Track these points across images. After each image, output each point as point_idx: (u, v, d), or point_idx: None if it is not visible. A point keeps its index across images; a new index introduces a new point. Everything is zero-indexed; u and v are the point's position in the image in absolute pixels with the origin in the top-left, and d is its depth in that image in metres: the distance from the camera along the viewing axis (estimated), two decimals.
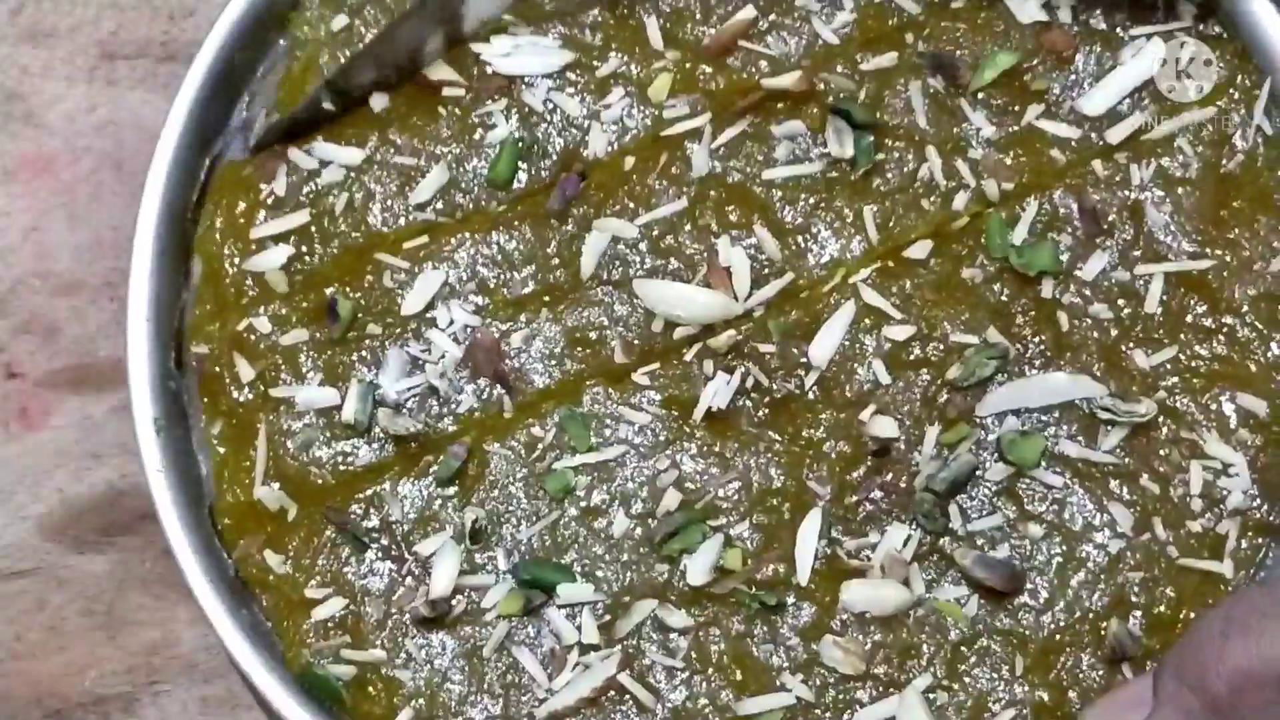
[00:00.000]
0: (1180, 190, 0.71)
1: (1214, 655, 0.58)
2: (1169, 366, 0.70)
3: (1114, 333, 0.70)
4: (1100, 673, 0.68)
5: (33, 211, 0.79)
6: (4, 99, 0.80)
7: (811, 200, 0.72)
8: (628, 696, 0.69)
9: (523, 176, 0.73)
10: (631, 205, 0.73)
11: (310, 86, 0.74)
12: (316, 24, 0.75)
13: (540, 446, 0.71)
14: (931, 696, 0.68)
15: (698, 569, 0.69)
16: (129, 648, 0.76)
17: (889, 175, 0.72)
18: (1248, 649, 0.58)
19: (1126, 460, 0.70)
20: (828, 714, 0.68)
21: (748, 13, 0.73)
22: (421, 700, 0.69)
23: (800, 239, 0.72)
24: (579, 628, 0.69)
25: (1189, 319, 0.71)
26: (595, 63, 0.74)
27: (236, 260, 0.73)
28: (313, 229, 0.73)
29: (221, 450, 0.72)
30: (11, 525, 0.77)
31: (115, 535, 0.77)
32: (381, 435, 0.72)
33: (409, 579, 0.70)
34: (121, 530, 0.77)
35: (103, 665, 0.76)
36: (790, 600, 0.69)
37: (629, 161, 0.73)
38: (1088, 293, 0.71)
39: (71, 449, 0.77)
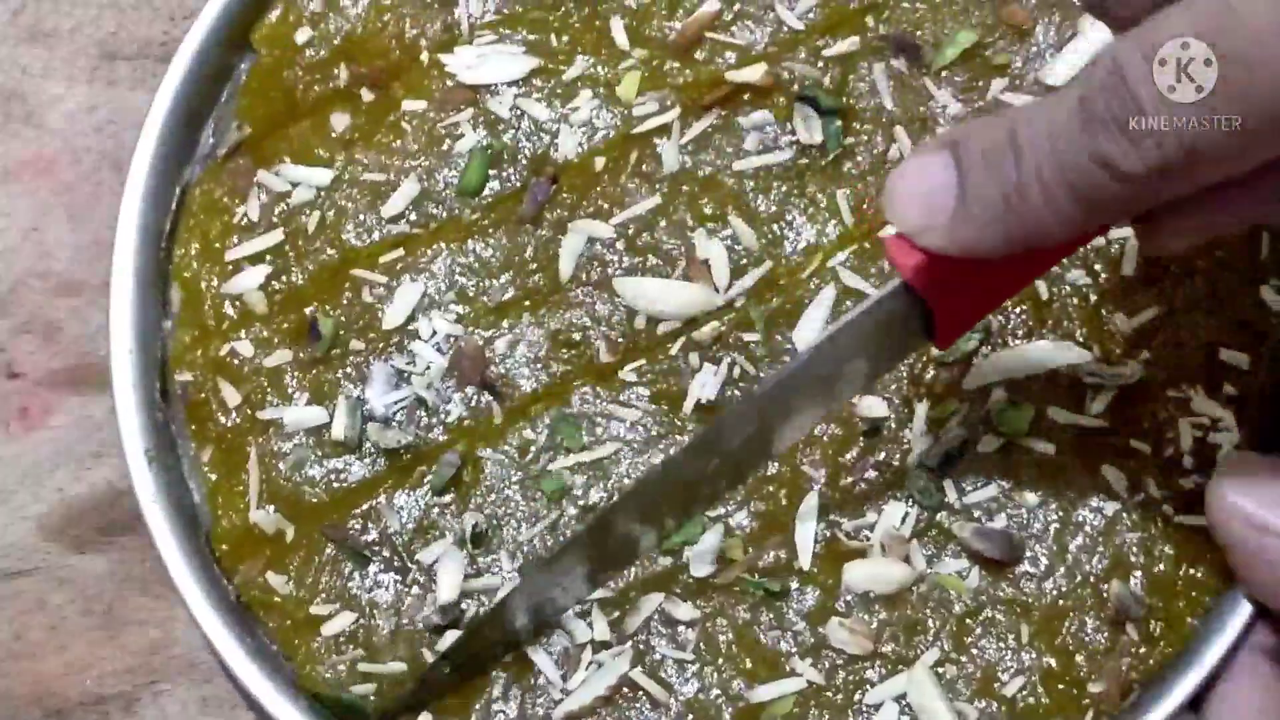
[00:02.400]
0: None
1: None
2: (1150, 327, 0.71)
3: (1093, 298, 0.71)
4: (1105, 635, 0.69)
5: (33, 211, 0.79)
6: (4, 99, 0.80)
7: (784, 188, 0.73)
8: (641, 693, 0.68)
9: (494, 184, 0.73)
10: (605, 205, 0.73)
11: (270, 92, 0.74)
12: (279, 35, 0.75)
13: (533, 449, 0.71)
14: (940, 670, 0.68)
15: (701, 560, 0.69)
16: (129, 647, 0.76)
17: (859, 158, 0.73)
18: None
19: (1116, 423, 0.70)
20: (839, 696, 0.68)
21: (712, 5, 0.74)
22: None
23: (776, 227, 0.72)
24: (591, 625, 0.69)
25: (1166, 280, 0.71)
26: (561, 67, 0.74)
27: (214, 284, 0.73)
28: (287, 249, 0.73)
29: (213, 477, 0.72)
30: (11, 525, 0.77)
31: (115, 535, 0.77)
32: (373, 450, 0.71)
33: (415, 588, 0.70)
34: (122, 530, 0.77)
35: (103, 665, 0.76)
36: (794, 585, 0.69)
37: (600, 162, 0.73)
38: (1065, 260, 0.71)
39: (71, 449, 0.77)
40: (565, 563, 0.67)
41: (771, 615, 0.69)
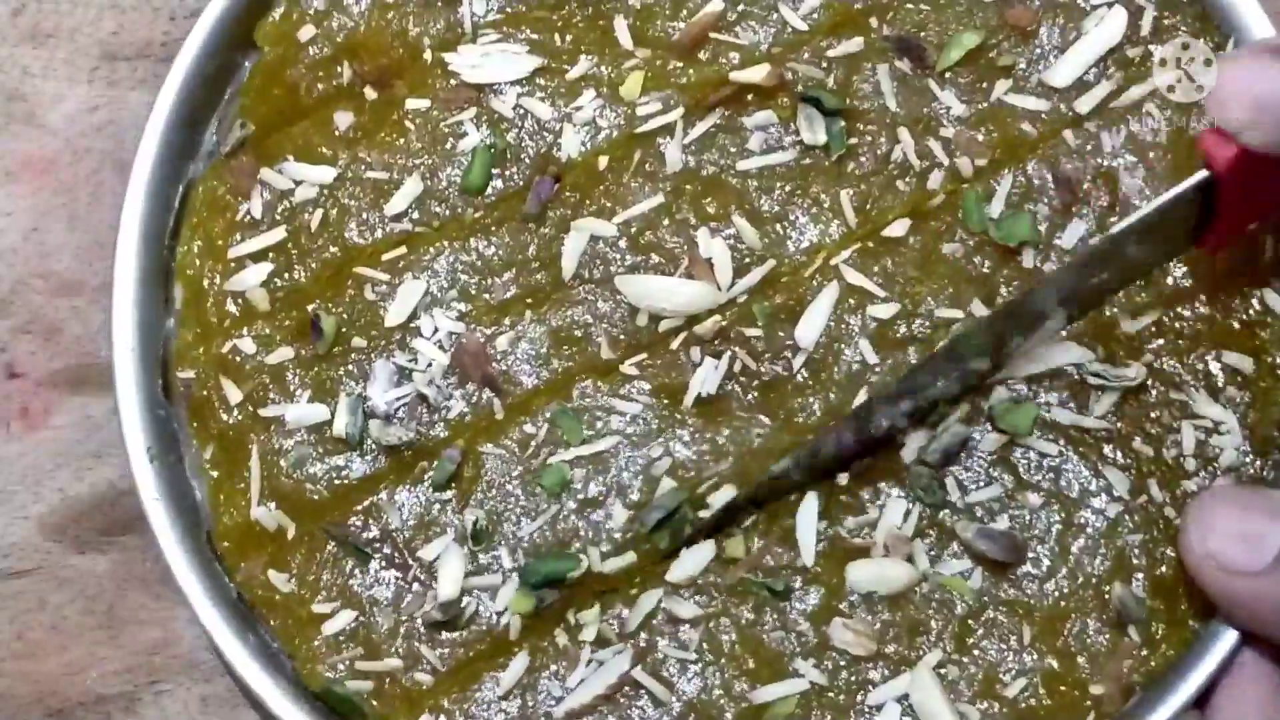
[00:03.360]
0: (1151, 155, 0.72)
1: None
2: (1154, 329, 0.71)
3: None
4: (1107, 637, 0.68)
5: (34, 212, 0.79)
6: (5, 100, 0.80)
7: (787, 188, 0.73)
8: (643, 691, 0.68)
9: (497, 183, 0.73)
10: (608, 204, 0.73)
11: (274, 90, 0.74)
12: (283, 33, 0.75)
13: (533, 444, 0.71)
14: (943, 672, 0.68)
15: (695, 561, 0.69)
16: (130, 647, 0.76)
17: (863, 158, 0.73)
18: None
19: (1119, 424, 0.70)
20: (842, 696, 0.68)
21: (716, 5, 0.74)
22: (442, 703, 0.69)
23: (779, 226, 0.72)
24: (589, 623, 0.69)
25: (1169, 280, 0.71)
26: (565, 66, 0.74)
27: (217, 281, 0.73)
28: (290, 246, 0.73)
29: (214, 474, 0.72)
30: (12, 525, 0.77)
31: (116, 535, 0.77)
32: (374, 446, 0.71)
33: (415, 585, 0.70)
34: (122, 530, 0.76)
35: (103, 665, 0.76)
36: (797, 585, 0.69)
37: (603, 161, 0.73)
38: (1068, 260, 0.71)
39: (72, 449, 0.77)
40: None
41: (775, 615, 0.69)
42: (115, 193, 0.75)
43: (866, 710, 0.68)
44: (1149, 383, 0.70)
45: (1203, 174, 0.65)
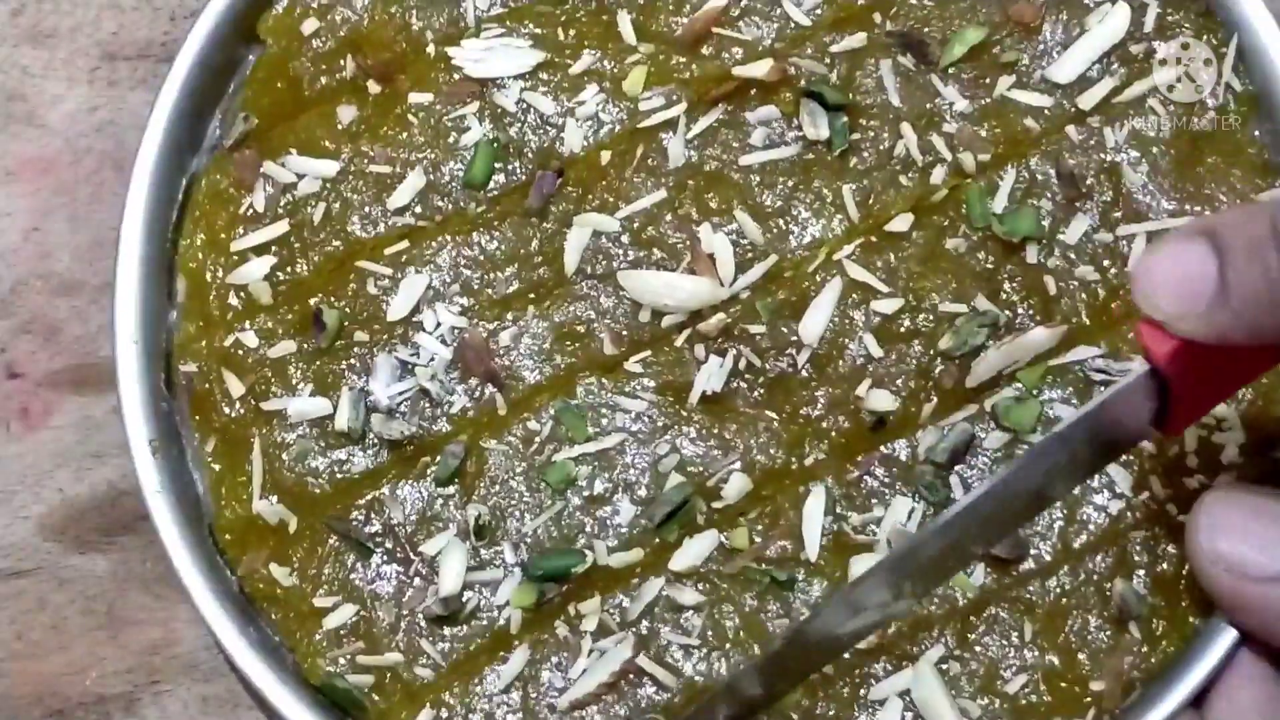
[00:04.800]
0: (1155, 150, 0.72)
1: None
2: None
3: (1101, 293, 0.71)
4: (1108, 633, 0.68)
5: (34, 212, 0.79)
6: (5, 100, 0.80)
7: (790, 183, 0.73)
8: (646, 679, 0.68)
9: (500, 177, 0.73)
10: (611, 199, 0.73)
11: (277, 83, 0.74)
12: (286, 26, 0.75)
13: (537, 440, 0.71)
14: (944, 667, 0.68)
15: (699, 550, 0.69)
16: (130, 647, 0.76)
17: (865, 154, 0.73)
18: None
19: None
20: (845, 689, 0.68)
21: (719, 0, 0.73)
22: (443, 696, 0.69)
23: (781, 221, 0.72)
24: (587, 615, 0.69)
25: None
26: (568, 61, 0.74)
27: (220, 275, 0.73)
28: (293, 240, 0.73)
29: (216, 467, 0.72)
30: (12, 525, 0.77)
31: (116, 535, 0.76)
32: (376, 441, 0.71)
33: (417, 579, 0.70)
34: (122, 530, 0.76)
35: (103, 665, 0.76)
36: (800, 576, 0.69)
37: (605, 156, 0.73)
38: (1072, 255, 0.71)
39: (72, 449, 0.77)
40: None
41: (778, 604, 0.69)
42: (115, 192, 0.75)
43: (870, 704, 0.68)
44: None
45: (1140, 370, 0.62)
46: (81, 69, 0.80)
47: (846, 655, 0.68)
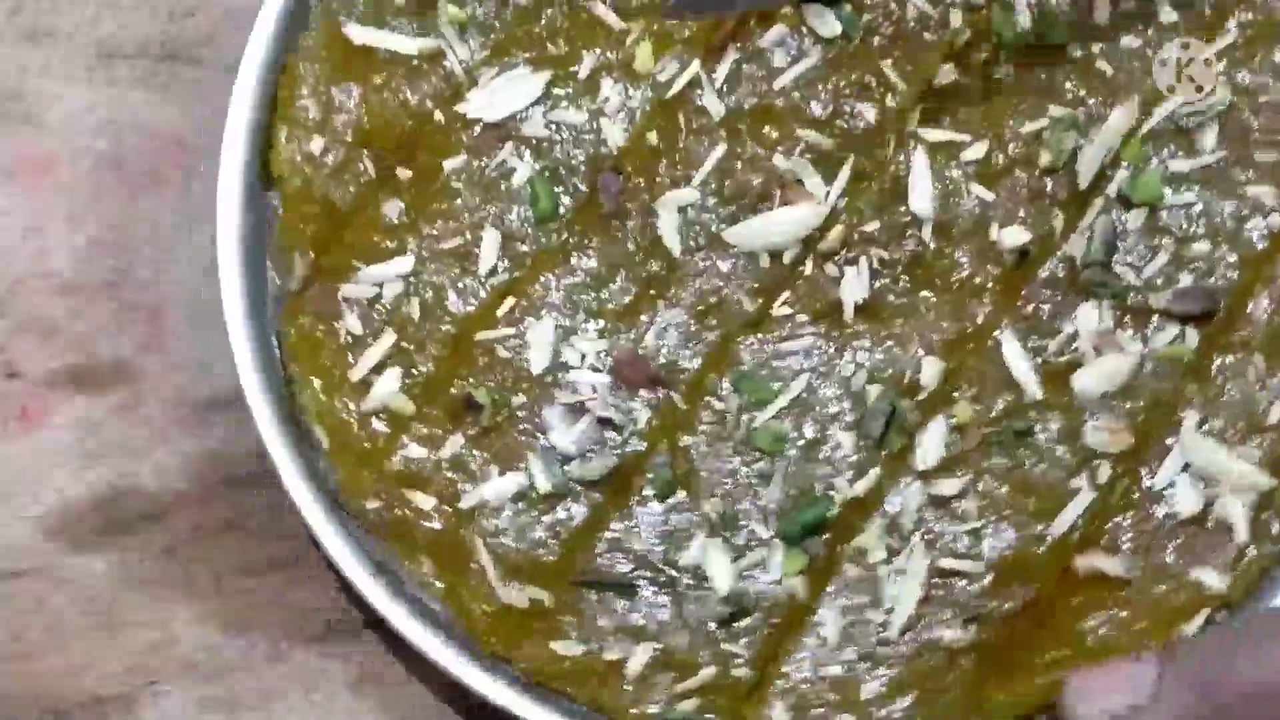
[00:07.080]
0: None
1: (1225, 666, 0.59)
2: (1229, 58, 0.73)
3: (1149, 52, 0.73)
4: None
5: (32, 211, 0.77)
6: (3, 99, 0.78)
7: (830, 85, 0.73)
8: (953, 576, 0.69)
9: (566, 199, 0.73)
10: (679, 172, 0.72)
11: (312, 212, 0.72)
12: (294, 156, 0.73)
13: (729, 417, 0.70)
14: (1206, 428, 0.69)
15: (933, 442, 0.70)
16: (128, 648, 0.74)
17: (884, 29, 0.74)
18: (1257, 664, 0.59)
19: (1228, 150, 0.72)
20: (1120, 500, 0.69)
21: None
22: None
23: (841, 122, 0.73)
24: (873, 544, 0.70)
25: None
26: (573, 69, 0.73)
27: (352, 408, 0.71)
28: (404, 344, 0.71)
29: (440, 585, 0.69)
30: (11, 525, 0.75)
31: (115, 535, 0.75)
32: (581, 487, 0.70)
33: (691, 593, 0.69)
34: (121, 530, 0.75)
35: (102, 665, 0.74)
36: (1033, 416, 0.70)
37: (652, 137, 0.73)
38: (1111, 34, 0.73)
39: (71, 449, 0.75)
40: None
41: (1030, 452, 0.69)
42: (114, 192, 0.76)
43: (1159, 496, 0.69)
44: (1235, 102, 0.72)
45: None
46: (80, 68, 0.79)
47: (1112, 466, 0.69)
